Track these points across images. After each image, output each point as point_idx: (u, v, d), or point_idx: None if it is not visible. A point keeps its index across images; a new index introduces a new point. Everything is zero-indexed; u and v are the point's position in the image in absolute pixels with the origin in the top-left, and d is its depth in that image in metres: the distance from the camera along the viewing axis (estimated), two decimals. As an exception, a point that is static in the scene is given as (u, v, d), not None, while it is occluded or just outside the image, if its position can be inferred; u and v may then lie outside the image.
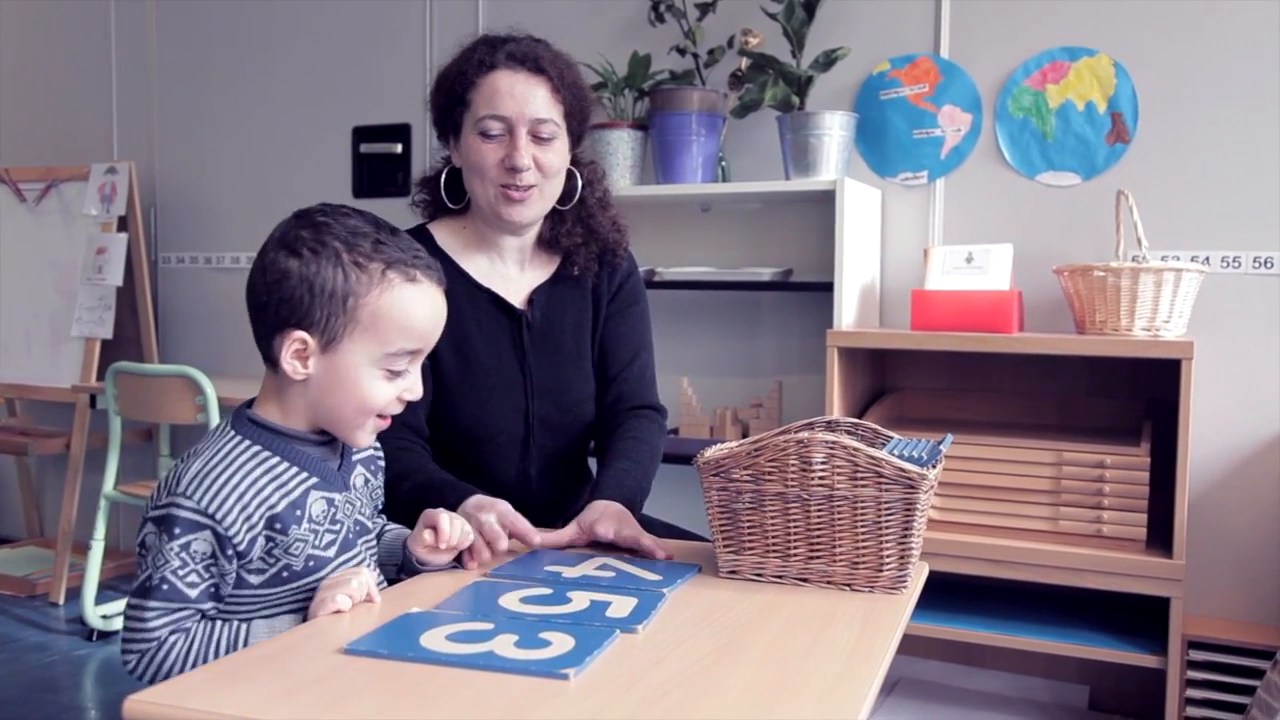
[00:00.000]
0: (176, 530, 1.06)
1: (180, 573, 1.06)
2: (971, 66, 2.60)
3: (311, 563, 1.13)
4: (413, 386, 1.17)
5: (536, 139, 1.53)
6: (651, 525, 1.68)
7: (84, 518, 3.37)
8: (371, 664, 0.95)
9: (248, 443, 1.12)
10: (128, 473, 3.22)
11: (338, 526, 1.16)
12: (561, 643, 0.99)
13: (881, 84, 2.68)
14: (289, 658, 0.97)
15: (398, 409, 1.17)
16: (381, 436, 1.31)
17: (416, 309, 1.13)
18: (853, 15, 2.69)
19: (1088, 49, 2.49)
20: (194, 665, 1.07)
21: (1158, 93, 2.44)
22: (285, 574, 1.12)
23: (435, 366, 1.57)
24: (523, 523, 1.36)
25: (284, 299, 1.10)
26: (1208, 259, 2.39)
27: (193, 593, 1.07)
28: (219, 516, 1.07)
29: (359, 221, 1.13)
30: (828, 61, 2.56)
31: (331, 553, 1.15)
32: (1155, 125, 2.45)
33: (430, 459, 1.56)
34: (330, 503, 1.16)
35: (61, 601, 3.29)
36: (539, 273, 1.67)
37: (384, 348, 1.12)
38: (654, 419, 1.69)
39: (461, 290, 1.58)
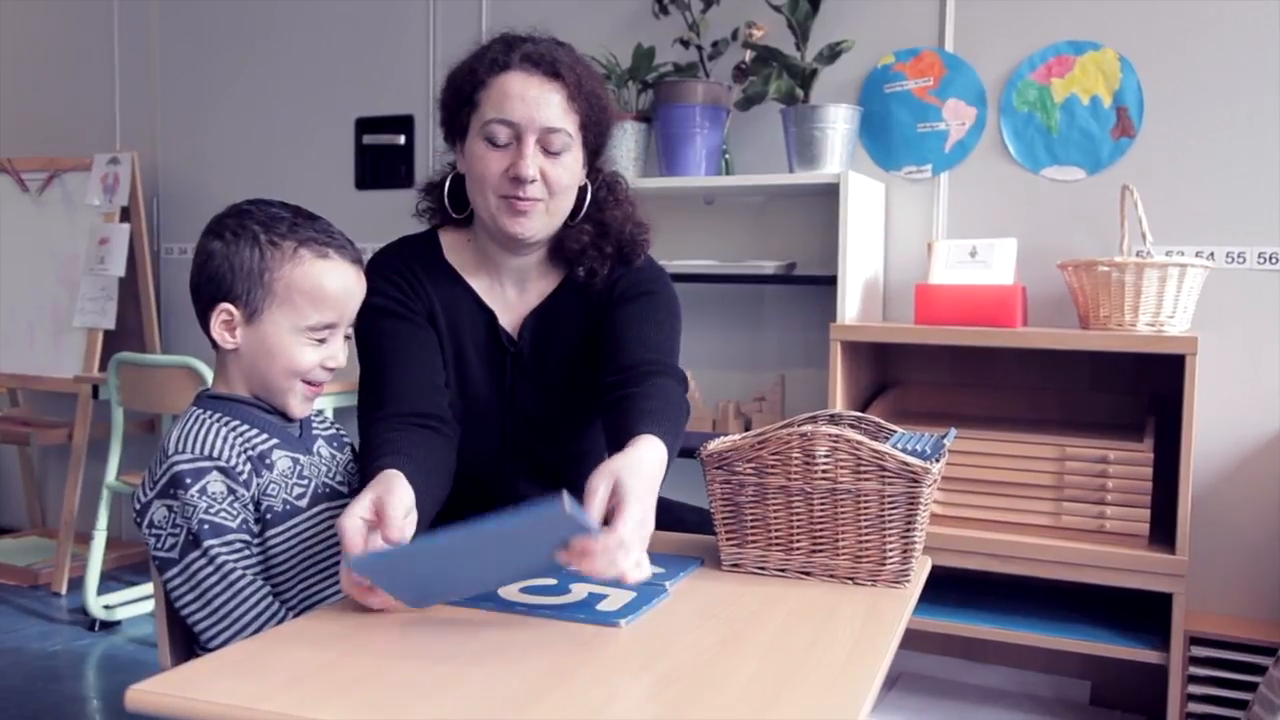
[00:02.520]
0: (188, 481, 1.14)
1: (211, 511, 1.14)
2: (976, 60, 2.60)
3: (287, 507, 1.22)
4: (335, 355, 1.27)
5: (546, 151, 1.41)
6: (682, 513, 1.62)
7: (86, 508, 3.37)
8: (371, 657, 0.95)
9: (210, 412, 1.23)
10: (130, 463, 3.22)
11: (305, 481, 1.25)
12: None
13: (886, 77, 2.67)
14: (290, 648, 0.97)
15: (323, 376, 1.27)
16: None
17: (328, 281, 1.24)
18: (857, 8, 2.68)
19: (1093, 43, 2.48)
20: (263, 621, 1.14)
21: (1163, 87, 2.43)
22: (269, 516, 1.19)
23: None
24: (390, 527, 1.10)
25: (210, 277, 1.23)
26: (1212, 254, 2.39)
27: (232, 524, 1.15)
28: (215, 454, 1.17)
29: (279, 209, 1.26)
30: (832, 54, 2.55)
31: (304, 503, 1.24)
32: (1160, 120, 2.44)
33: (418, 438, 1.33)
34: (295, 461, 1.25)
35: (64, 591, 3.30)
36: (539, 290, 1.53)
37: (302, 318, 1.23)
38: (669, 381, 1.39)
39: (466, 307, 1.50)
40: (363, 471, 1.29)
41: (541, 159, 1.41)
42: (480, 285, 1.53)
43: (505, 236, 1.45)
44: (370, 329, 1.45)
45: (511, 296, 1.54)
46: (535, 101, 1.40)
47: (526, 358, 1.52)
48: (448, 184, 1.52)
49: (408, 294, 1.48)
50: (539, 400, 1.53)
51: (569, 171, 1.44)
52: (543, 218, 1.44)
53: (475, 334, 1.51)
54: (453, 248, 1.54)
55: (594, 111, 1.46)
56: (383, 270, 1.48)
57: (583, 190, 1.50)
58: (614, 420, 1.33)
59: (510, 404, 1.53)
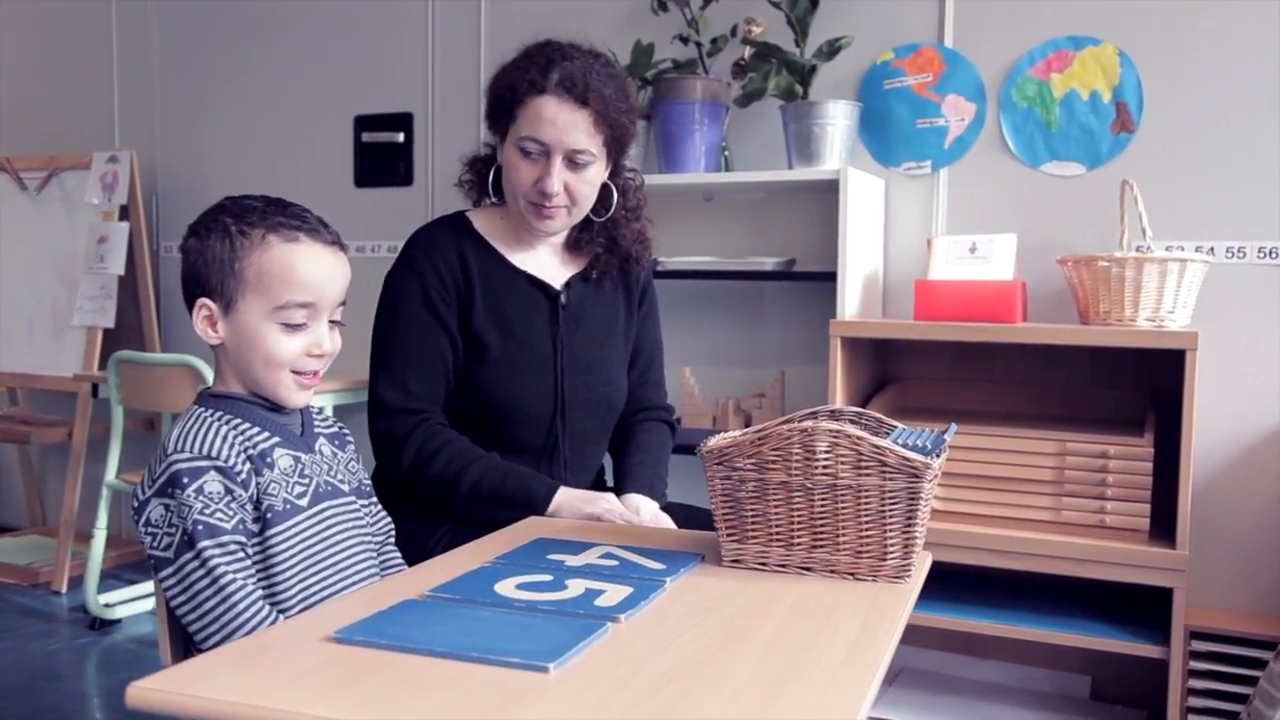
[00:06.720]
0: (185, 480, 1.13)
1: (207, 512, 1.13)
2: (975, 56, 2.59)
3: (288, 506, 1.21)
4: (320, 341, 1.25)
5: (572, 164, 1.61)
6: (672, 509, 1.73)
7: (86, 506, 3.37)
8: (372, 653, 0.95)
9: (211, 410, 1.22)
10: (130, 461, 3.22)
11: (307, 480, 1.25)
12: (553, 633, 0.98)
13: (885, 73, 2.67)
14: (290, 645, 0.97)
15: (313, 365, 1.25)
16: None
17: (298, 263, 1.22)
18: (856, 4, 2.67)
19: (1092, 38, 2.48)
20: (256, 623, 1.13)
21: (1163, 82, 2.43)
22: (270, 515, 1.19)
23: (479, 343, 1.66)
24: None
25: (189, 274, 1.24)
26: (1212, 249, 2.39)
27: (227, 525, 1.14)
28: (214, 454, 1.16)
29: (253, 201, 1.25)
30: (831, 50, 2.55)
31: (305, 502, 1.23)
32: (1160, 115, 2.44)
33: (462, 437, 1.64)
34: (296, 459, 1.25)
35: (64, 590, 3.30)
36: (573, 264, 1.77)
37: (272, 301, 1.21)
38: (663, 427, 1.87)
39: (499, 274, 1.70)
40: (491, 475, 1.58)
41: (566, 173, 1.62)
42: (514, 253, 1.73)
43: (532, 228, 1.69)
44: (405, 310, 1.65)
45: (546, 258, 1.76)
46: (565, 126, 1.59)
47: (573, 307, 1.74)
48: (492, 173, 1.72)
49: (444, 271, 1.66)
50: (583, 346, 1.74)
51: (590, 184, 1.66)
52: (565, 219, 1.67)
53: (514, 294, 1.70)
54: (486, 223, 1.73)
55: (617, 129, 1.65)
56: (423, 244, 1.68)
57: (606, 187, 1.71)
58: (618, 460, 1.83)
59: (560, 349, 1.72)
